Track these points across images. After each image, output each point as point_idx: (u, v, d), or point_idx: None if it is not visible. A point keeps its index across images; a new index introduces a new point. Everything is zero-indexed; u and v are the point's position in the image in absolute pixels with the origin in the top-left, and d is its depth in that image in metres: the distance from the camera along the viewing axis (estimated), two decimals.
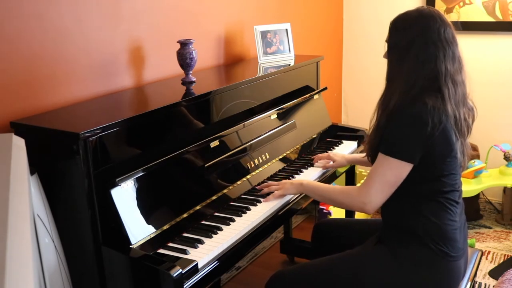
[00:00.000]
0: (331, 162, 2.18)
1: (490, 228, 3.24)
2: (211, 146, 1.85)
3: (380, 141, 1.59)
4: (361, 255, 1.68)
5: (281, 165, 2.16)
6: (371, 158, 1.67)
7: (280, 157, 2.18)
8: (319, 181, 2.10)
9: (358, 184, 1.65)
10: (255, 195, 1.89)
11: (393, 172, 1.55)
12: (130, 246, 1.47)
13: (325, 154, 2.20)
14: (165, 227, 1.58)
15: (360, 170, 3.38)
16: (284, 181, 1.90)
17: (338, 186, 1.80)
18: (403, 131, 1.53)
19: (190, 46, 1.98)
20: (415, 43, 1.55)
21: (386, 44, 1.65)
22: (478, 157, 3.30)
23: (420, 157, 1.53)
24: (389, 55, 1.64)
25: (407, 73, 1.56)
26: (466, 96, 1.63)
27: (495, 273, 2.71)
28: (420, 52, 1.55)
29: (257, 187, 1.93)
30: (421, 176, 1.57)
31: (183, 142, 1.76)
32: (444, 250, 1.57)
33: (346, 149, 2.41)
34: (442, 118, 1.51)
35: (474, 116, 1.67)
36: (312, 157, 2.25)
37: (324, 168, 2.16)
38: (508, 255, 2.90)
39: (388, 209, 1.69)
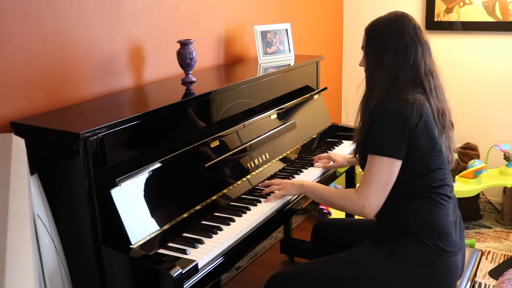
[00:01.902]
0: (332, 162, 2.18)
1: (490, 228, 3.24)
2: (211, 146, 1.85)
3: (365, 139, 1.64)
4: (359, 255, 1.69)
5: (281, 165, 2.16)
6: (359, 156, 1.72)
7: (280, 157, 2.18)
8: (319, 181, 2.10)
9: (358, 185, 1.67)
10: (255, 195, 1.89)
11: (385, 170, 1.57)
12: (130, 246, 1.47)
13: (325, 155, 2.21)
14: (165, 227, 1.58)
15: (360, 170, 3.38)
16: (285, 181, 1.91)
17: (338, 189, 1.81)
18: (387, 129, 1.57)
19: (190, 46, 1.98)
20: (393, 43, 1.62)
21: (363, 52, 1.72)
22: (478, 157, 3.29)
23: (405, 152, 1.56)
24: (367, 60, 1.70)
25: (388, 72, 1.62)
26: (443, 90, 1.68)
27: (495, 273, 2.71)
28: (399, 50, 1.61)
29: (259, 185, 1.93)
30: (409, 172, 1.59)
31: (183, 142, 1.76)
32: (439, 245, 1.57)
33: (346, 149, 2.41)
34: (422, 112, 1.55)
35: (449, 109, 1.71)
36: (312, 157, 2.25)
37: (324, 168, 2.16)
38: (508, 255, 2.90)
39: (381, 209, 1.70)
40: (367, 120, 1.64)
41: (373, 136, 1.59)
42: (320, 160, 2.20)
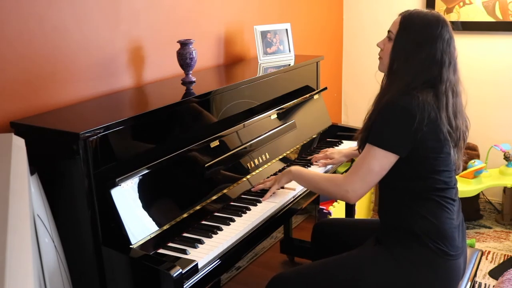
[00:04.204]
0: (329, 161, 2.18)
1: (490, 228, 3.24)
2: (211, 146, 1.85)
3: (369, 133, 1.62)
4: (361, 257, 1.68)
5: (281, 165, 2.16)
6: (361, 150, 1.69)
7: (280, 157, 2.18)
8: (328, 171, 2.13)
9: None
10: (255, 195, 1.89)
11: (377, 161, 1.56)
12: (130, 246, 1.47)
13: (321, 155, 2.20)
14: (165, 227, 1.58)
15: None
16: (275, 176, 1.93)
17: (324, 174, 1.81)
18: (390, 122, 1.55)
19: (190, 46, 1.98)
20: (425, 47, 1.56)
21: (388, 33, 1.65)
22: (478, 157, 3.30)
23: (409, 150, 1.55)
24: (394, 51, 1.62)
25: (409, 74, 1.57)
26: (463, 107, 1.64)
27: (495, 273, 2.71)
28: (428, 56, 1.56)
29: (252, 190, 1.92)
30: (415, 173, 1.59)
31: (183, 142, 1.76)
32: (442, 248, 1.57)
33: None
34: (431, 114, 1.52)
35: (467, 127, 1.69)
36: (310, 157, 2.25)
37: (323, 166, 2.16)
38: (508, 255, 2.90)
39: (385, 210, 1.70)
40: (374, 115, 1.61)
41: (375, 127, 1.58)
42: (317, 161, 2.19)
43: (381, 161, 1.56)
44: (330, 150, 2.24)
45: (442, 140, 1.56)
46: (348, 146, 2.45)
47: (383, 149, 1.55)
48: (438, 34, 1.57)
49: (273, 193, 1.87)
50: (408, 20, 1.61)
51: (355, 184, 1.60)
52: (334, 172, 2.25)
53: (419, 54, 1.57)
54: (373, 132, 1.58)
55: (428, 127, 1.52)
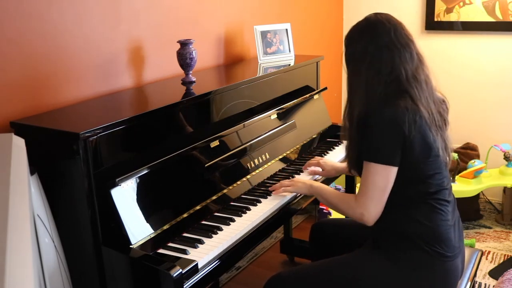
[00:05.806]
0: (321, 171, 2.12)
1: (490, 228, 3.24)
2: (211, 146, 1.85)
3: (358, 152, 1.61)
4: (360, 259, 1.68)
5: (281, 165, 2.16)
6: (355, 171, 1.69)
7: (280, 157, 2.18)
8: (317, 181, 2.10)
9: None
10: (255, 195, 1.89)
11: (381, 177, 1.54)
12: (130, 246, 1.47)
13: (315, 162, 2.12)
14: (165, 227, 1.58)
15: None
16: (297, 179, 1.91)
17: (342, 194, 1.77)
18: (381, 135, 1.53)
19: (190, 46, 1.98)
20: (368, 51, 1.57)
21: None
22: (478, 157, 3.30)
23: (400, 159, 1.53)
24: (347, 68, 1.66)
25: (366, 82, 1.57)
26: (433, 90, 1.62)
27: (495, 273, 2.71)
28: (374, 59, 1.56)
29: (269, 188, 1.91)
30: (406, 179, 1.57)
31: (183, 142, 1.76)
32: (439, 251, 1.57)
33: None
34: (416, 118, 1.50)
35: (447, 107, 1.67)
36: (308, 156, 2.25)
37: (312, 174, 2.10)
38: (508, 255, 2.90)
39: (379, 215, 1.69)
40: (354, 133, 1.61)
41: (367, 142, 1.56)
42: (309, 167, 2.12)
43: (383, 175, 1.54)
44: (324, 160, 2.14)
45: (430, 143, 1.54)
46: None
47: (381, 163, 1.53)
48: (372, 35, 1.57)
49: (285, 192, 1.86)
50: (346, 38, 1.65)
51: (368, 207, 1.57)
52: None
53: (364, 61, 1.57)
54: (367, 149, 1.57)
55: (416, 132, 1.50)
